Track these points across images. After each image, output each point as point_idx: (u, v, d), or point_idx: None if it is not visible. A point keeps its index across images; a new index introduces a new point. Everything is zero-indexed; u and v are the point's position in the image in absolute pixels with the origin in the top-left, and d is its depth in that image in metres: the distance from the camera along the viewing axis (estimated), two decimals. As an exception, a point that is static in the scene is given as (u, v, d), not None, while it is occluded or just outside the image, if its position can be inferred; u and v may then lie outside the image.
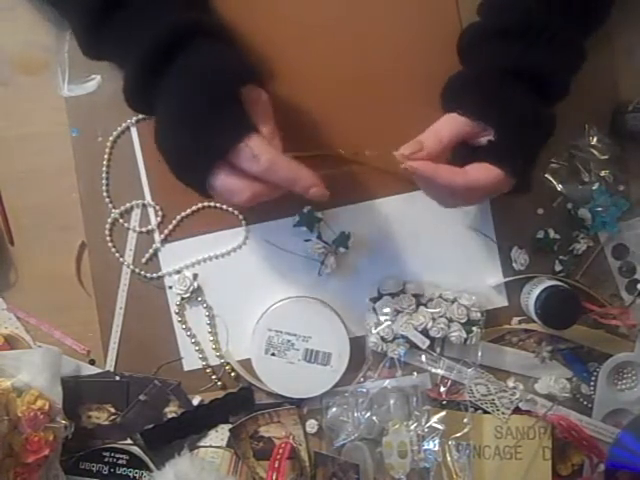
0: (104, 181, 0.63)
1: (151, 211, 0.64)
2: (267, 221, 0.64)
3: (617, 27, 0.62)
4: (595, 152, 0.63)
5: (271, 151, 0.48)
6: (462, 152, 0.53)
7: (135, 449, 0.64)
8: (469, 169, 0.51)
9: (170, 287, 0.64)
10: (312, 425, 0.65)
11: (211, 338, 0.65)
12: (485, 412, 0.65)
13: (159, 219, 0.64)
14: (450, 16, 0.62)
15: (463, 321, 0.62)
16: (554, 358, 0.66)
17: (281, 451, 0.63)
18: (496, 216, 0.64)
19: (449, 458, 0.63)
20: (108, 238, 0.64)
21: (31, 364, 0.59)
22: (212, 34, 0.51)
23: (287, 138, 0.52)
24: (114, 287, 0.64)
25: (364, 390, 0.64)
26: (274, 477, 0.61)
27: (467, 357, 0.64)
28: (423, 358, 0.65)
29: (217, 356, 0.65)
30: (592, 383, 0.65)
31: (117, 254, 0.64)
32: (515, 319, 0.65)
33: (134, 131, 0.63)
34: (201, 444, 0.65)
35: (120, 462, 0.64)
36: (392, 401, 0.64)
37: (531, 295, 0.62)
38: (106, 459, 0.64)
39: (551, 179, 0.64)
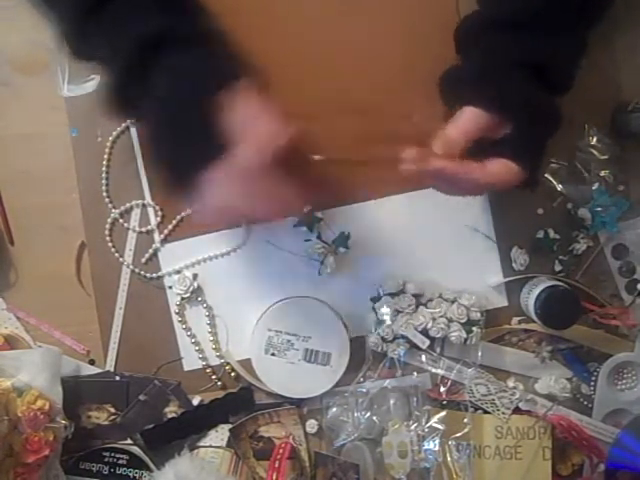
0: (104, 181, 0.63)
1: (151, 211, 0.64)
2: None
3: (618, 27, 0.62)
4: (595, 152, 0.63)
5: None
6: (471, 147, 0.53)
7: (135, 449, 0.64)
8: (487, 164, 0.50)
9: (170, 287, 0.64)
10: (312, 425, 0.65)
11: (211, 338, 0.65)
12: (485, 412, 0.65)
13: (159, 219, 0.64)
14: (448, 5, 0.61)
15: (463, 321, 0.62)
16: (554, 358, 0.66)
17: (281, 451, 0.63)
18: (496, 216, 0.64)
19: (449, 458, 0.63)
20: (108, 238, 0.64)
21: (31, 364, 0.59)
22: (187, 39, 0.47)
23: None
24: (114, 287, 0.64)
25: (364, 390, 0.64)
26: (274, 477, 0.61)
27: (467, 357, 0.64)
28: (423, 358, 0.65)
29: (217, 356, 0.65)
30: (592, 383, 0.65)
31: (117, 254, 0.64)
32: (515, 319, 0.65)
33: (134, 131, 0.63)
34: (201, 444, 0.65)
35: (120, 462, 0.64)
36: (392, 401, 0.64)
37: (531, 295, 0.62)
38: (106, 459, 0.64)
39: (551, 179, 0.64)
